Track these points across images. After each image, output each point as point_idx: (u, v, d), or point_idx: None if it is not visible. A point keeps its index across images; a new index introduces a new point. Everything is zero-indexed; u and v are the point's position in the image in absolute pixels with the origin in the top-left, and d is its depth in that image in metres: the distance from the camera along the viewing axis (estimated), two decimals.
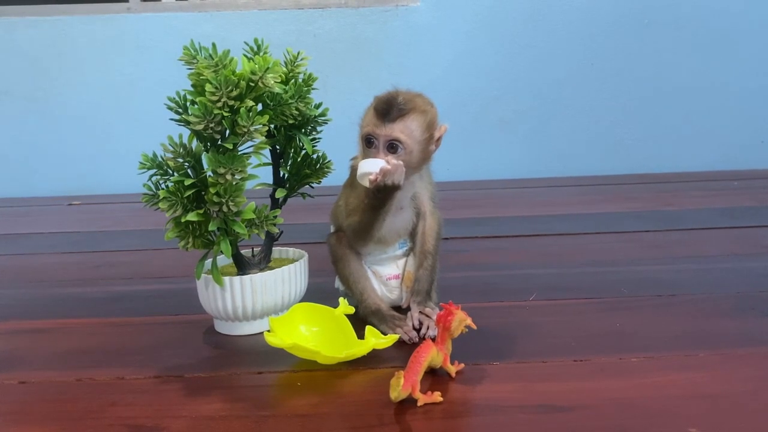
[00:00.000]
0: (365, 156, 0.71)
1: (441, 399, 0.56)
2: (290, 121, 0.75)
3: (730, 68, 2.04)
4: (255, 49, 0.75)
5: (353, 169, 0.78)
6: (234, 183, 0.67)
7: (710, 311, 0.78)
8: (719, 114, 2.07)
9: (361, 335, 0.67)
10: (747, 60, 2.04)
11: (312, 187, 0.82)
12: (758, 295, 0.83)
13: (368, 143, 0.71)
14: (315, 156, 0.80)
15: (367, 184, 0.69)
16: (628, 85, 2.05)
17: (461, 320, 0.61)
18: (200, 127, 0.66)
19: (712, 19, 2.01)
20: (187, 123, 0.67)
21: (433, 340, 0.62)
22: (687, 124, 2.08)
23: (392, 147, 0.71)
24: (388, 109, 0.70)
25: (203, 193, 0.69)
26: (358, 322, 0.72)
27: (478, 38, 2.02)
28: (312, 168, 0.80)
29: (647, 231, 1.22)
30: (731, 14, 2.01)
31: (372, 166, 0.68)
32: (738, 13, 2.01)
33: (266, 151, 0.75)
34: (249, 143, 0.69)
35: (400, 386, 0.54)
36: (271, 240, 0.79)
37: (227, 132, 0.68)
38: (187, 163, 0.69)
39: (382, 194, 0.69)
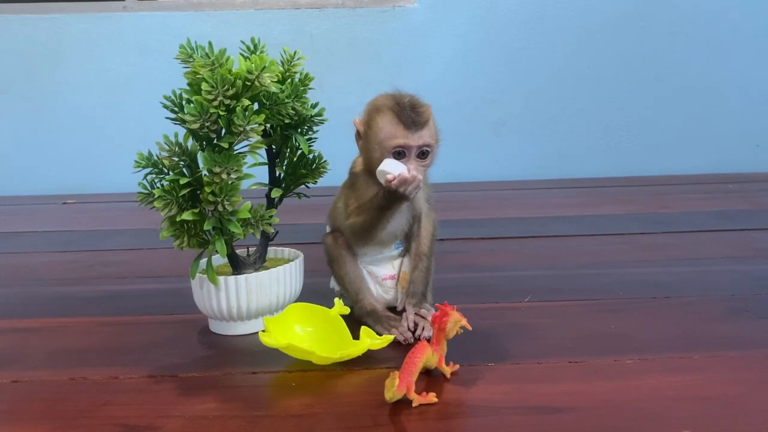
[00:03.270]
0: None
1: (436, 400, 0.56)
2: (286, 121, 0.75)
3: (725, 72, 2.05)
4: (251, 48, 0.74)
5: (352, 173, 0.78)
6: (229, 182, 0.67)
7: (705, 314, 0.78)
8: (715, 117, 2.08)
9: (356, 336, 0.67)
10: (742, 64, 2.05)
11: (308, 187, 0.82)
12: (752, 297, 0.83)
13: (398, 155, 0.71)
14: (311, 156, 0.80)
15: (383, 181, 0.69)
16: (623, 87, 2.06)
17: (456, 321, 0.61)
18: (196, 125, 0.65)
19: (708, 23, 2.02)
20: (183, 122, 0.67)
21: (428, 341, 0.62)
22: (683, 128, 2.09)
23: (423, 153, 0.71)
24: (415, 117, 0.70)
25: (198, 192, 0.69)
26: (353, 322, 0.72)
27: (474, 39, 2.02)
28: (308, 168, 0.80)
29: (642, 233, 1.22)
30: (727, 18, 2.02)
31: (394, 168, 0.68)
32: (734, 18, 2.02)
33: (262, 151, 0.75)
34: (245, 142, 0.69)
35: (395, 387, 0.54)
36: (267, 240, 0.79)
37: (223, 131, 0.68)
38: (182, 162, 0.69)
39: (391, 198, 0.69)
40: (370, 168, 0.74)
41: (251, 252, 0.79)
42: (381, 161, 0.70)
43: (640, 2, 2.01)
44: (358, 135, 0.75)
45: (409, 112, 0.70)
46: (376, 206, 0.71)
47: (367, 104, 0.75)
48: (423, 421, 0.54)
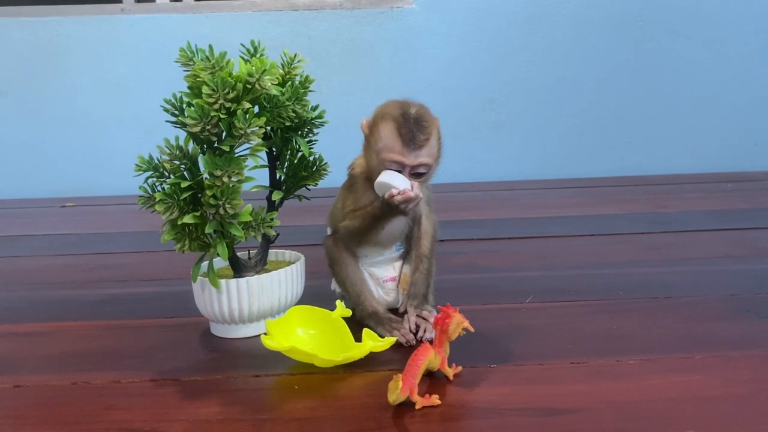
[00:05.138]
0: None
1: (439, 402, 0.56)
2: (287, 123, 0.74)
3: (723, 71, 2.06)
4: (251, 51, 0.74)
5: (351, 176, 0.78)
6: (230, 185, 0.67)
7: (706, 313, 0.78)
8: (712, 116, 2.09)
9: (358, 338, 0.67)
10: (739, 63, 2.05)
11: (308, 189, 0.82)
12: (753, 297, 0.83)
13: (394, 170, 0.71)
14: (311, 158, 0.80)
15: (380, 193, 0.69)
16: (621, 87, 2.06)
17: (458, 323, 0.61)
18: (197, 129, 0.65)
19: (705, 23, 2.03)
20: (184, 125, 0.67)
21: (431, 342, 0.62)
22: (680, 127, 2.09)
23: (419, 174, 0.71)
24: (416, 134, 0.69)
25: (200, 195, 0.69)
26: (355, 324, 0.71)
27: (472, 40, 2.02)
28: (308, 170, 0.80)
29: (642, 233, 1.23)
30: (724, 18, 2.02)
31: (396, 182, 0.68)
32: (730, 17, 2.02)
33: (263, 154, 0.75)
34: (246, 145, 0.69)
35: (398, 389, 0.54)
36: (268, 242, 0.78)
37: (224, 134, 0.68)
38: (183, 166, 0.69)
39: (388, 210, 0.69)
40: (370, 171, 0.74)
41: (252, 255, 0.79)
42: (378, 169, 0.70)
43: (639, 2, 2.01)
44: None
45: (412, 127, 0.69)
46: (371, 215, 0.72)
47: (377, 108, 0.74)
48: (426, 423, 0.54)
